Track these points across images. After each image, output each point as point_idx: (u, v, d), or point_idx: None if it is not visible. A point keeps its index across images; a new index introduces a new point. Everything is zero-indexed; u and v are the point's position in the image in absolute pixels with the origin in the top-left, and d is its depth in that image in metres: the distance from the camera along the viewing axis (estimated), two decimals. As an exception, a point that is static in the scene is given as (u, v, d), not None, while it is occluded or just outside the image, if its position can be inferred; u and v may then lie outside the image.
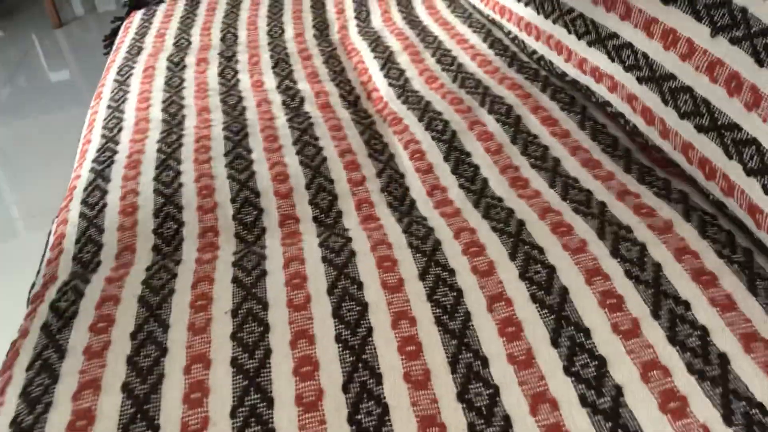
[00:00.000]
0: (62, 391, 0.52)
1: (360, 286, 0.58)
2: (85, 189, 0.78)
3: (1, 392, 0.54)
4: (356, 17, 1.21)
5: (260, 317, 0.56)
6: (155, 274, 0.63)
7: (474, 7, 1.13)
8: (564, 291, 0.55)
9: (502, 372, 0.50)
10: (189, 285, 0.60)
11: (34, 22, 3.01)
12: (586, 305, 0.54)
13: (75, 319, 0.58)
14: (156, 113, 0.92)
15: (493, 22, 1.05)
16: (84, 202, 0.76)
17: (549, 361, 0.50)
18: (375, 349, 0.53)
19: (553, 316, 0.53)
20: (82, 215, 0.74)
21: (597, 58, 0.75)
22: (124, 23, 1.31)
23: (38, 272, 0.71)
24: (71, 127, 2.02)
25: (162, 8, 1.30)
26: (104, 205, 0.74)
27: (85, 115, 1.00)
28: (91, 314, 0.58)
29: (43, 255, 0.74)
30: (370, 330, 0.54)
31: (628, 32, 0.70)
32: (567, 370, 0.50)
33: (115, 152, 0.84)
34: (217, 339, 0.54)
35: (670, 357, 0.49)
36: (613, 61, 0.72)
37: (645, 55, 0.67)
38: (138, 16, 1.30)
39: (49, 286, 0.65)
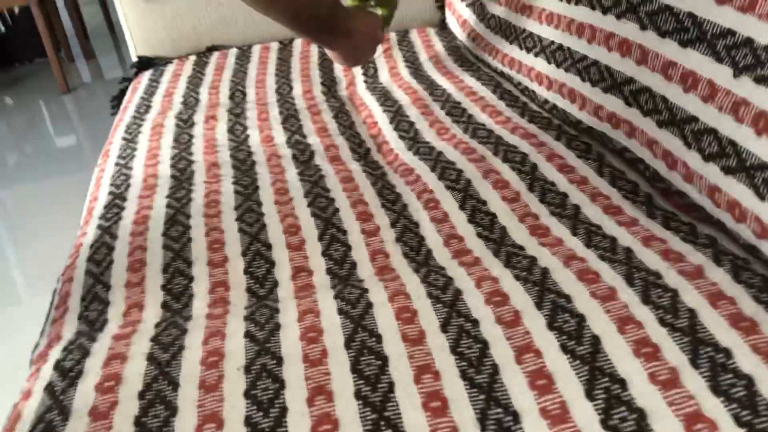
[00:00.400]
0: (65, 456, 0.48)
1: (379, 338, 0.55)
2: (92, 246, 0.76)
3: (0, 458, 0.50)
4: (364, 74, 1.21)
5: (275, 373, 0.53)
6: (164, 330, 0.60)
7: (481, 60, 1.13)
8: (596, 340, 0.52)
9: (535, 428, 0.47)
10: (200, 341, 0.58)
11: (42, 88, 3.05)
12: (620, 355, 0.51)
13: (80, 378, 0.55)
14: (164, 170, 0.91)
15: (501, 74, 1.05)
16: (90, 259, 0.74)
17: (585, 415, 0.47)
18: (398, 405, 0.49)
19: (586, 367, 0.50)
20: (88, 272, 0.71)
21: (613, 104, 0.74)
22: (132, 83, 1.32)
23: (42, 332, 0.68)
24: (76, 191, 2.02)
25: (170, 69, 1.31)
26: (111, 262, 0.72)
27: (90, 179, 0.99)
28: (97, 373, 0.55)
29: (48, 315, 0.71)
30: (391, 385, 0.51)
31: (646, 76, 0.69)
32: (604, 424, 0.46)
33: (122, 209, 0.82)
34: (230, 397, 0.51)
35: (715, 409, 0.46)
36: (630, 106, 0.71)
37: (664, 99, 0.66)
38: (146, 76, 1.30)
39: (53, 346, 0.62)
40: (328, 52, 0.88)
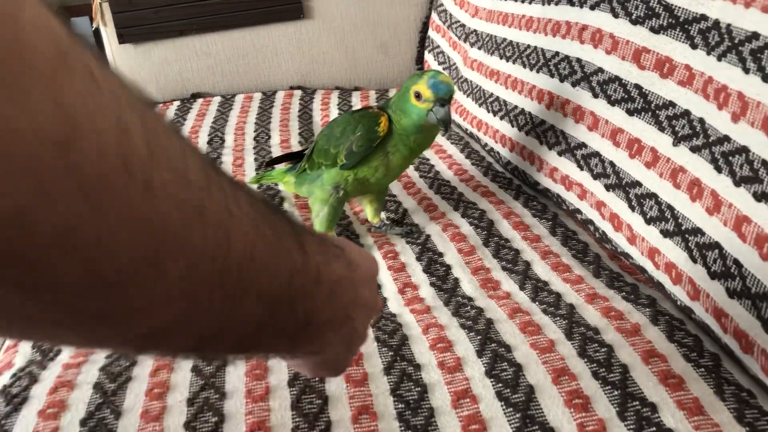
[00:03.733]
0: (0, 478, 0.49)
1: (322, 379, 0.57)
2: (55, 277, 0.77)
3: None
4: (341, 127, 1.25)
5: (216, 407, 0.54)
6: (115, 361, 0.61)
7: (453, 121, 1.17)
8: (530, 389, 0.54)
9: (463, 471, 0.48)
10: (148, 373, 0.59)
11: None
12: (552, 405, 0.52)
13: (24, 404, 0.56)
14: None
15: (470, 135, 1.09)
16: (52, 289, 0.75)
17: (512, 460, 0.49)
18: (333, 443, 0.51)
19: (518, 415, 0.52)
20: (47, 302, 0.72)
21: (567, 166, 0.78)
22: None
23: (-5, 359, 0.69)
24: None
25: (153, 112, 1.34)
26: (72, 293, 0.73)
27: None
28: (42, 400, 0.56)
29: (2, 344, 0.72)
30: (328, 424, 0.52)
31: (596, 142, 0.72)
32: (531, 471, 0.48)
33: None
34: (170, 428, 0.52)
35: (637, 459, 0.47)
36: (582, 169, 0.75)
37: (612, 163, 0.70)
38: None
39: (3, 372, 0.63)
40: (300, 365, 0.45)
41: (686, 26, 0.62)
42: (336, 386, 0.56)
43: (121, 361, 0.61)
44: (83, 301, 0.20)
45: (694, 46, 0.61)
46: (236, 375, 0.58)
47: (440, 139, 1.11)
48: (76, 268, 0.19)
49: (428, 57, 1.39)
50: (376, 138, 0.75)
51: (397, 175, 0.81)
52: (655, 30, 0.65)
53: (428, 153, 1.05)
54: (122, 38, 1.39)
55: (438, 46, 1.33)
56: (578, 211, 0.77)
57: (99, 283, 0.20)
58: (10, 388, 0.59)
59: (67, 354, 0.64)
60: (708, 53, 0.59)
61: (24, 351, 0.66)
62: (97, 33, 1.44)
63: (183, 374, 0.58)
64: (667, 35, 0.64)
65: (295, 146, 1.18)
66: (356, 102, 1.38)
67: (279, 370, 0.58)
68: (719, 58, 0.57)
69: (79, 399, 0.56)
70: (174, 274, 0.23)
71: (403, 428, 0.52)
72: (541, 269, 0.71)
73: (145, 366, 0.60)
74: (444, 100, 0.71)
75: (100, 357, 0.62)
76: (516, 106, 0.91)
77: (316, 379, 0.57)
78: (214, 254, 0.25)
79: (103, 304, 0.21)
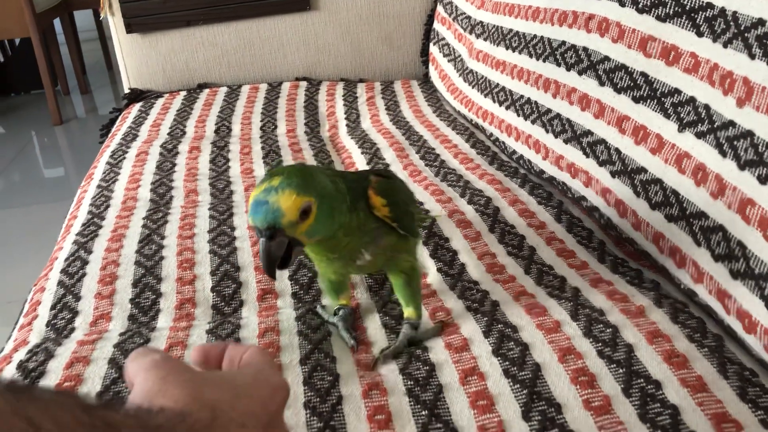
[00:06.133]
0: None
1: (333, 360, 0.58)
2: (66, 259, 0.78)
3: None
4: (346, 118, 1.26)
5: (230, 382, 0.55)
6: (128, 339, 0.62)
7: (458, 112, 1.19)
8: (537, 368, 0.55)
9: (472, 443, 0.49)
10: (161, 349, 0.60)
11: (35, 118, 3.09)
12: (559, 382, 0.53)
13: (41, 378, 0.57)
14: (144, 193, 0.94)
15: (475, 125, 1.10)
16: (63, 271, 0.76)
17: (520, 434, 0.50)
18: (344, 416, 0.52)
19: (525, 391, 0.53)
20: (60, 283, 0.74)
21: (573, 154, 0.79)
22: (122, 114, 1.36)
23: (9, 338, 0.70)
24: (57, 220, 2.03)
25: (160, 102, 1.35)
26: (84, 275, 0.74)
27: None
28: (59, 374, 0.57)
29: (16, 322, 0.73)
30: (339, 398, 0.53)
31: (602, 129, 0.73)
32: (538, 445, 0.49)
33: (100, 227, 0.85)
34: (185, 402, 0.53)
35: (642, 434, 0.49)
36: (587, 156, 0.76)
37: (617, 150, 0.71)
38: (136, 107, 1.34)
39: (18, 350, 0.64)
40: None
41: (692, 14, 0.63)
42: (347, 366, 0.57)
43: (135, 339, 0.62)
44: None
45: (700, 34, 0.62)
46: (248, 352, 0.59)
47: (445, 130, 1.12)
48: None
49: (433, 49, 1.40)
50: None
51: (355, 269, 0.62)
52: (661, 18, 0.66)
53: (434, 143, 1.06)
54: (130, 28, 1.40)
55: (443, 39, 1.34)
56: (583, 198, 0.78)
57: None
58: (26, 363, 0.60)
59: (81, 332, 0.66)
60: (714, 41, 0.60)
61: (38, 329, 0.67)
62: (103, 23, 1.45)
63: (196, 351, 0.59)
64: (673, 23, 0.65)
65: (301, 135, 1.19)
66: (361, 93, 1.38)
67: (291, 350, 0.59)
68: (725, 45, 0.58)
69: (95, 374, 0.57)
70: None
71: (412, 403, 0.53)
72: (546, 254, 0.72)
73: (158, 343, 0.61)
74: (260, 231, 0.48)
75: (113, 335, 0.64)
76: (522, 96, 0.92)
77: (327, 358, 0.58)
78: None
79: None
